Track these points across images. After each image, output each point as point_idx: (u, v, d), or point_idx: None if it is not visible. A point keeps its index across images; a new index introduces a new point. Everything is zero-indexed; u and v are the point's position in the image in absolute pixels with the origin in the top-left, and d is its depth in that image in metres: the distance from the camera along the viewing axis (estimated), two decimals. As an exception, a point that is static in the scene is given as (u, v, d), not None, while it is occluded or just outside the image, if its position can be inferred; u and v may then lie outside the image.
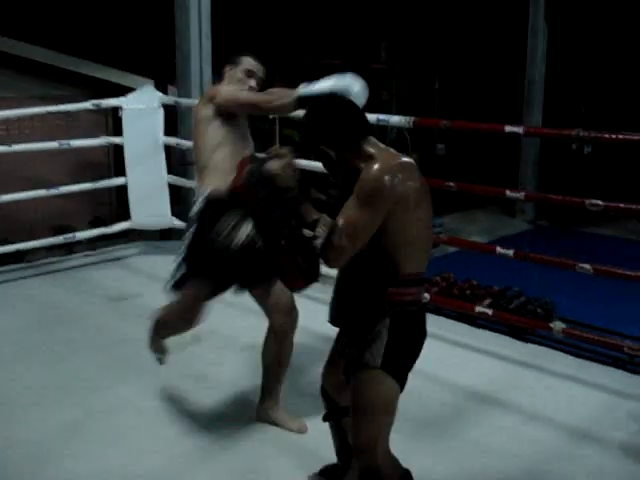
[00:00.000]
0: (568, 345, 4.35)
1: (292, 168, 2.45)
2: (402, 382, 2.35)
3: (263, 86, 3.36)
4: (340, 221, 2.25)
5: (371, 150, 2.33)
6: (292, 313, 3.35)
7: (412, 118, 4.61)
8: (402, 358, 2.34)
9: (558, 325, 4.07)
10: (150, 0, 7.81)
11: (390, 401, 2.34)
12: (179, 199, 6.44)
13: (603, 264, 4.03)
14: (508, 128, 4.16)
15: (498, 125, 4.29)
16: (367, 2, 9.32)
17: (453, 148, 8.97)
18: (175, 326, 3.45)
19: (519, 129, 4.25)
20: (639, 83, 9.40)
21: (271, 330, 3.37)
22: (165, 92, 6.42)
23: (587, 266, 3.92)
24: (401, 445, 2.59)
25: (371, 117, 5.10)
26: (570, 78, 9.66)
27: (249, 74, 3.33)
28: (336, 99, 2.54)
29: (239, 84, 3.31)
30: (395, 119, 4.83)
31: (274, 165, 2.43)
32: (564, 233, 7.78)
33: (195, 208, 3.22)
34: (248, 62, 3.35)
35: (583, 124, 4.94)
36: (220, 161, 3.17)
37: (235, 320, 4.54)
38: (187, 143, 6.15)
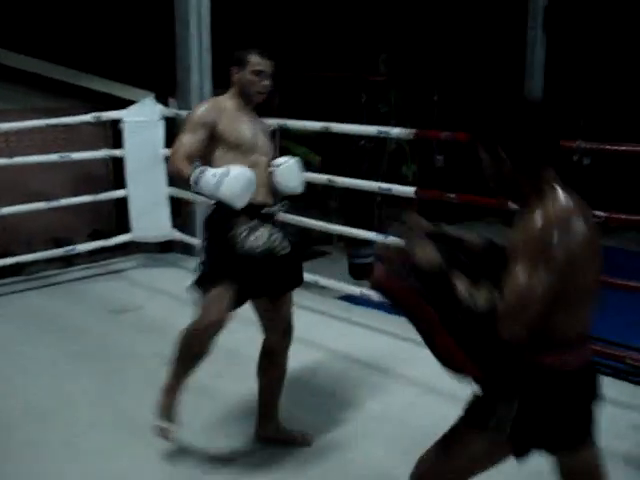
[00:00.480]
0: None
1: (429, 246, 2.07)
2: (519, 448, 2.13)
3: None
4: (507, 284, 1.91)
5: (548, 185, 1.98)
6: (287, 335, 3.33)
7: (413, 130, 4.62)
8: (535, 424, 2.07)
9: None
10: (151, 13, 7.85)
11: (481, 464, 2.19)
12: (179, 211, 6.45)
13: (604, 275, 4.02)
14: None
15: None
16: (366, 15, 9.35)
17: (452, 159, 8.98)
18: (191, 351, 3.24)
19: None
20: (638, 94, 9.43)
21: (264, 347, 3.36)
22: (166, 105, 6.44)
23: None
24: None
25: (371, 129, 5.14)
26: (569, 90, 9.69)
27: (259, 74, 3.22)
28: (546, 109, 2.06)
29: (251, 87, 3.22)
30: (396, 131, 4.84)
31: (415, 252, 2.05)
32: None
33: (207, 214, 3.30)
34: (255, 61, 3.22)
35: (582, 136, 4.95)
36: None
37: (235, 332, 4.52)
38: (187, 155, 6.17)
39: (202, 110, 3.22)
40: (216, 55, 6.36)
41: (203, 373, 4.06)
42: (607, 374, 4.18)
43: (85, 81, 7.11)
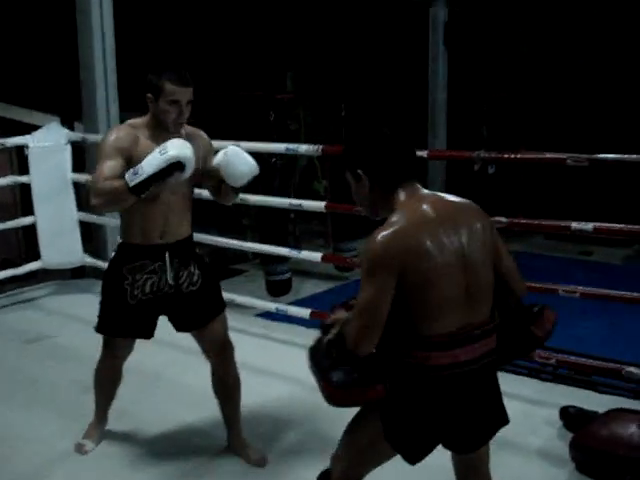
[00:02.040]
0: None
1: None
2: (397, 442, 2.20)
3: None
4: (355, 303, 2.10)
5: (401, 199, 2.16)
6: (222, 354, 3.32)
7: (320, 146, 4.70)
8: (402, 418, 2.18)
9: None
10: (52, 35, 7.72)
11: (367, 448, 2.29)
12: (90, 236, 6.35)
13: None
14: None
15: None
16: (271, 33, 9.44)
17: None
18: (99, 383, 3.49)
19: (424, 153, 4.38)
20: (540, 102, 9.80)
21: (212, 368, 3.36)
22: (72, 129, 6.34)
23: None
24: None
25: (280, 147, 5.20)
26: (471, 101, 10.00)
27: (173, 103, 2.92)
28: (392, 129, 2.25)
29: (167, 117, 2.95)
30: (304, 147, 4.91)
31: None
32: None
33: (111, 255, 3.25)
34: (169, 90, 2.90)
35: (485, 145, 5.13)
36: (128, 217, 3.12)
37: (155, 356, 4.50)
38: (97, 179, 6.09)
39: (116, 136, 2.98)
40: (122, 76, 6.30)
41: (123, 399, 4.04)
42: (520, 373, 4.35)
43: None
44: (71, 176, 5.88)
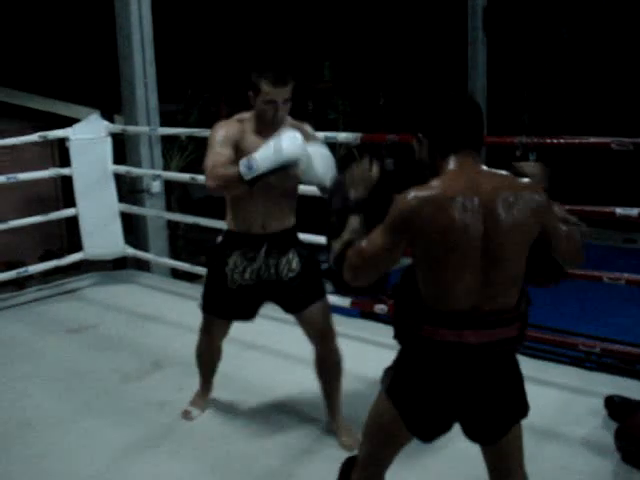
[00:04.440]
0: (525, 347, 4.42)
1: (366, 175, 2.34)
2: (406, 415, 2.21)
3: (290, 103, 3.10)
4: (364, 238, 2.15)
5: (449, 166, 2.12)
6: (325, 337, 3.37)
7: (359, 134, 4.66)
8: (408, 389, 2.20)
9: (514, 328, 4.14)
10: (92, 30, 7.79)
11: (380, 426, 2.27)
12: (131, 227, 6.41)
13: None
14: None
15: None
16: (309, 23, 9.42)
17: (402, 162, 9.07)
18: (200, 360, 3.63)
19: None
20: (581, 89, 9.64)
21: (314, 351, 3.42)
22: (112, 121, 6.40)
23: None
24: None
25: (319, 135, 5.16)
26: (512, 87, 9.87)
27: (270, 103, 3.05)
28: (456, 95, 2.24)
29: (265, 116, 3.09)
30: (343, 136, 4.88)
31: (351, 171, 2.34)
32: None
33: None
34: (266, 90, 3.02)
35: (527, 131, 5.05)
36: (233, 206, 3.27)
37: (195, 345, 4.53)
38: (137, 170, 6.15)
39: (226, 128, 3.15)
40: (160, 68, 6.34)
41: (165, 387, 4.07)
42: (563, 362, 4.29)
43: (30, 102, 7.05)
44: (112, 168, 5.92)
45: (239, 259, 3.26)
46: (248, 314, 3.43)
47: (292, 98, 3.09)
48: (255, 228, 3.24)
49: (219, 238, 3.39)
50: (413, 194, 2.05)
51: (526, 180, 2.17)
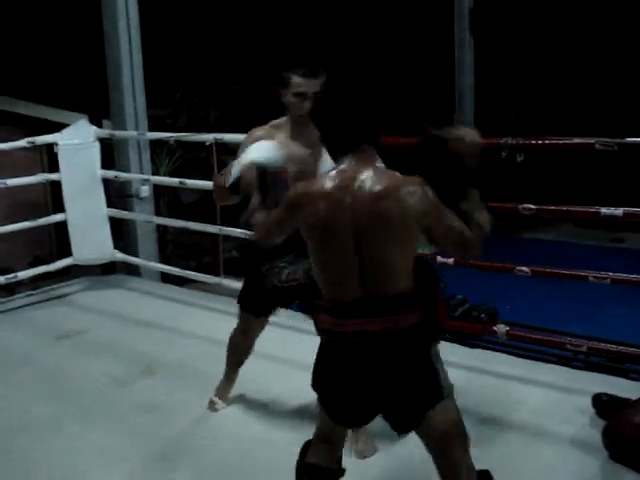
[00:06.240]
0: (513, 347, 4.45)
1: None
2: (322, 402, 2.41)
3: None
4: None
5: (341, 165, 2.26)
6: None
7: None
8: (316, 377, 2.40)
9: (502, 328, 4.17)
10: (79, 35, 7.79)
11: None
12: (120, 232, 6.41)
13: (539, 266, 4.15)
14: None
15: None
16: (300, 25, 9.43)
17: (391, 164, 9.09)
18: (231, 352, 3.65)
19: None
20: (568, 89, 9.68)
21: None
22: (100, 126, 6.39)
23: (525, 268, 4.03)
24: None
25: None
26: (499, 88, 9.91)
27: (299, 96, 3.11)
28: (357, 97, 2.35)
29: (293, 110, 3.14)
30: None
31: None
32: (503, 240, 7.94)
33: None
34: (296, 82, 3.10)
35: (513, 132, 5.09)
36: None
37: (186, 349, 4.53)
38: (126, 175, 6.15)
39: (255, 134, 3.19)
40: (148, 72, 6.34)
41: (155, 392, 4.07)
42: (551, 361, 4.32)
43: (18, 107, 7.04)
44: (100, 172, 5.92)
45: (276, 261, 3.31)
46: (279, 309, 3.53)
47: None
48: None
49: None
50: (299, 187, 2.28)
51: (408, 177, 2.22)
